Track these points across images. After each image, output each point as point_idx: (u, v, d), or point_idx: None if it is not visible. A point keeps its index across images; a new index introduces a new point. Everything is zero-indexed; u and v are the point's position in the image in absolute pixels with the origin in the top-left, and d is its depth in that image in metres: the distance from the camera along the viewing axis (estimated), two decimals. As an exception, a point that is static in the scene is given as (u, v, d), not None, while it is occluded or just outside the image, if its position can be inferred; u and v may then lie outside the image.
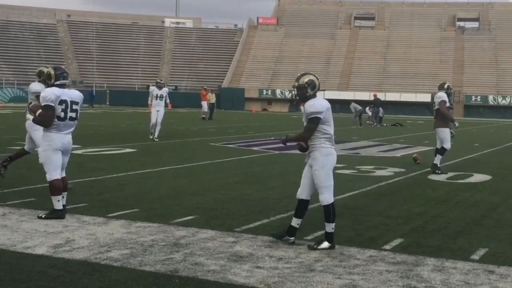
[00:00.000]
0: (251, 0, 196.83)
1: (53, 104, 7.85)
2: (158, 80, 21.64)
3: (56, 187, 7.97)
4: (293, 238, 6.96)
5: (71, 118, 8.06)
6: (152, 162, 14.21)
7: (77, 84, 65.64)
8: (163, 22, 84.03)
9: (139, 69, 73.78)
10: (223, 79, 70.06)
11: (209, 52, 76.24)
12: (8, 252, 6.32)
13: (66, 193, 8.20)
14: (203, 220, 7.93)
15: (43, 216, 7.88)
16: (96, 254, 6.26)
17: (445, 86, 14.03)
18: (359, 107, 37.88)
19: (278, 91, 66.34)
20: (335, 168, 13.76)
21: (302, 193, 7.12)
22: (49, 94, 7.88)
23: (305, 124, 6.94)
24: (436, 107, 13.88)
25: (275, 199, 9.74)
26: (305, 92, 7.07)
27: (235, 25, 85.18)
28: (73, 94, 8.15)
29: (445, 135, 13.82)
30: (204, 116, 38.28)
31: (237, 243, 6.86)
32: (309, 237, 7.19)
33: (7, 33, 72.20)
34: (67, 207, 8.16)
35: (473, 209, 9.35)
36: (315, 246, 6.71)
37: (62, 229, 7.36)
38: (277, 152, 17.89)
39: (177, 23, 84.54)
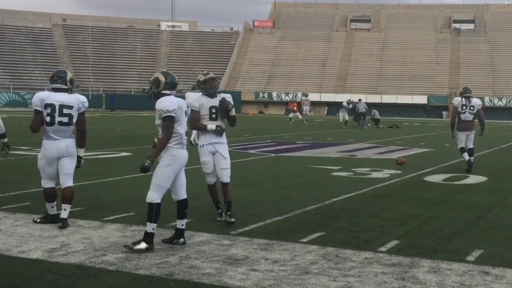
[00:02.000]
0: (247, 3, 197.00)
1: (39, 109, 7.60)
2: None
3: (47, 194, 7.79)
4: (182, 239, 6.90)
5: (61, 123, 7.65)
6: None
7: (73, 88, 65.55)
8: (159, 25, 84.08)
9: (135, 73, 73.80)
10: (220, 82, 70.08)
11: (205, 55, 76.31)
12: (3, 256, 6.30)
13: (69, 205, 7.76)
14: (198, 223, 7.92)
15: (37, 220, 7.83)
16: (91, 258, 6.25)
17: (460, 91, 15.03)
18: (363, 109, 38.02)
19: (274, 94, 66.39)
20: (331, 171, 13.85)
21: (176, 195, 7.08)
22: (34, 98, 7.74)
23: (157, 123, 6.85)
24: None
25: (271, 202, 9.73)
26: (153, 89, 6.93)
27: (231, 28, 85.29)
28: (64, 98, 7.71)
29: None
30: None
31: (233, 246, 6.85)
32: (304, 239, 7.18)
33: (3, 38, 72.17)
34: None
35: (469, 211, 9.36)
36: (131, 246, 6.56)
37: (57, 233, 7.35)
38: (273, 155, 17.89)
39: (173, 26, 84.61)
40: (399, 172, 14.06)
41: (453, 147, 21.79)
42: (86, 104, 7.96)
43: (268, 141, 23.43)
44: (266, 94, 66.76)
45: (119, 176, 12.36)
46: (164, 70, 7.18)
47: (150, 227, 6.67)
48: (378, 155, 18.75)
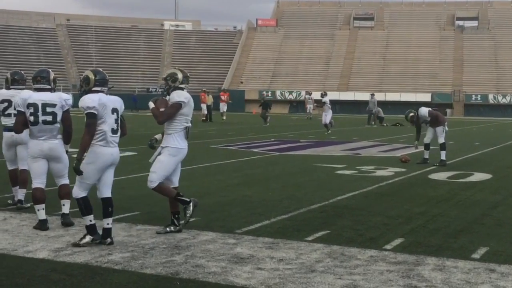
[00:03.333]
0: (250, 2, 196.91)
1: (21, 109, 7.52)
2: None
3: (34, 197, 7.65)
4: (109, 239, 6.88)
5: (45, 122, 7.55)
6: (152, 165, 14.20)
7: (77, 88, 65.64)
8: (162, 25, 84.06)
9: (139, 73, 73.81)
10: (223, 81, 70.07)
11: (208, 55, 76.27)
12: (9, 256, 6.33)
13: (68, 200, 7.77)
14: (203, 222, 7.93)
15: (33, 227, 7.66)
16: (97, 258, 6.26)
17: None
18: (373, 107, 38.46)
19: (278, 93, 66.36)
20: (336, 169, 13.86)
21: (99, 192, 7.18)
22: (17, 99, 7.76)
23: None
24: None
25: (275, 201, 9.74)
26: (83, 87, 7.13)
27: (235, 27, 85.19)
28: (46, 96, 7.62)
29: None
30: (204, 118, 38.30)
31: (238, 244, 6.87)
32: (309, 238, 7.19)
33: (7, 38, 72.26)
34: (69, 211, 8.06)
35: (473, 208, 9.35)
36: (78, 242, 6.75)
37: (63, 233, 7.37)
38: (278, 153, 17.89)
39: (177, 25, 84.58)
40: (403, 170, 14.06)
41: (458, 145, 21.79)
42: (70, 101, 7.83)
43: (272, 139, 23.44)
44: (270, 92, 66.72)
45: (124, 176, 12.37)
46: (95, 68, 7.43)
47: (87, 219, 6.86)
48: (382, 153, 18.74)
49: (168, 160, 7.40)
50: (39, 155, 7.60)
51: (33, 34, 74.81)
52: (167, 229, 7.44)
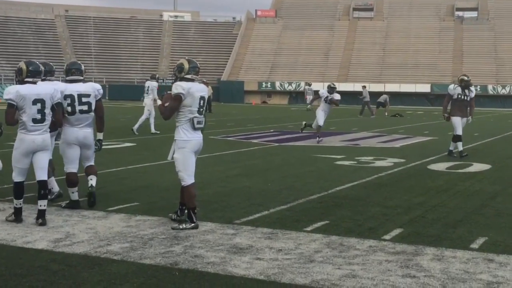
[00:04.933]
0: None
1: (14, 102, 7.38)
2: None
3: (69, 180, 8.19)
4: (40, 220, 7.29)
5: (82, 111, 8.12)
6: (151, 156, 14.23)
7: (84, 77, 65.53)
8: (161, 16, 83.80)
9: (138, 64, 73.66)
10: (222, 72, 69.97)
11: (208, 46, 76.10)
12: (9, 247, 6.34)
13: (95, 177, 8.36)
14: (202, 212, 7.93)
15: (63, 205, 8.25)
16: (96, 248, 6.27)
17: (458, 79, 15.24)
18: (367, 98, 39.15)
19: (277, 84, 66.25)
20: (335, 160, 13.86)
21: (35, 176, 7.62)
22: (54, 92, 7.74)
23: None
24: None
25: (274, 191, 9.74)
26: (17, 77, 7.65)
27: (234, 18, 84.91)
28: (81, 87, 8.18)
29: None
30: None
31: (237, 235, 6.87)
32: (308, 228, 7.20)
33: (6, 29, 72.07)
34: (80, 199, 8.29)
35: (472, 198, 9.36)
36: (6, 218, 7.49)
37: (62, 223, 7.38)
38: (277, 144, 17.90)
39: (176, 16, 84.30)
40: (402, 160, 14.06)
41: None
42: (101, 91, 8.48)
43: (272, 130, 23.43)
44: (269, 83, 66.60)
45: (123, 167, 12.38)
46: (29, 60, 7.84)
47: (16, 202, 7.46)
48: (382, 143, 18.74)
49: (181, 156, 7.27)
50: (74, 142, 8.16)
51: (32, 25, 74.62)
52: (173, 216, 7.59)
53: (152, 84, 21.47)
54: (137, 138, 18.83)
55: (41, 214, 7.33)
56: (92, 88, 8.28)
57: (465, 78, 15.17)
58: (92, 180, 8.31)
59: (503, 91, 62.57)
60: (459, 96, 14.85)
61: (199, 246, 6.39)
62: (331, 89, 18.56)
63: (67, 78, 8.32)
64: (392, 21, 76.33)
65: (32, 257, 5.95)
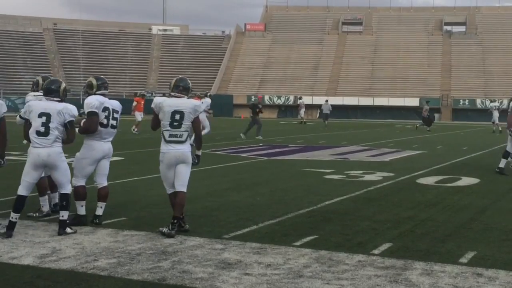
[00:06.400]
0: (239, 6, 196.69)
1: (97, 111, 8.00)
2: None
3: (79, 194, 8.15)
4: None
5: (112, 126, 8.27)
6: (139, 170, 14.16)
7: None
8: (150, 29, 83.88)
9: (127, 77, 73.60)
10: (211, 85, 69.99)
11: (197, 59, 76.19)
12: (-6, 263, 6.25)
13: (104, 204, 8.29)
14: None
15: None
16: (83, 264, 6.20)
17: None
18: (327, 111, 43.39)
19: (266, 97, 66.31)
20: (324, 174, 13.84)
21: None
22: (93, 100, 8.05)
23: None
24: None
25: (263, 206, 9.70)
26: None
27: (223, 32, 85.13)
28: (114, 103, 8.34)
29: None
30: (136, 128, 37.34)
31: (226, 250, 6.82)
32: (297, 243, 7.16)
33: (-6, 42, 71.89)
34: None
35: (461, 213, 9.36)
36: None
37: (49, 239, 7.30)
38: (266, 158, 17.87)
39: (165, 30, 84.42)
40: (391, 174, 14.06)
41: (446, 149, 21.85)
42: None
43: (261, 144, 23.40)
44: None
45: (111, 181, 12.25)
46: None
47: (12, 215, 7.43)
48: (371, 157, 18.75)
49: (160, 168, 7.82)
50: (101, 156, 8.25)
51: (20, 38, 74.47)
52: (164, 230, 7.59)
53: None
54: (125, 152, 18.76)
55: (62, 224, 7.50)
56: (118, 106, 8.43)
57: None
58: (102, 209, 8.26)
59: (491, 105, 62.83)
60: None
61: (187, 261, 6.34)
62: None
63: (97, 92, 8.27)
64: (381, 35, 76.76)
65: (18, 273, 5.88)
